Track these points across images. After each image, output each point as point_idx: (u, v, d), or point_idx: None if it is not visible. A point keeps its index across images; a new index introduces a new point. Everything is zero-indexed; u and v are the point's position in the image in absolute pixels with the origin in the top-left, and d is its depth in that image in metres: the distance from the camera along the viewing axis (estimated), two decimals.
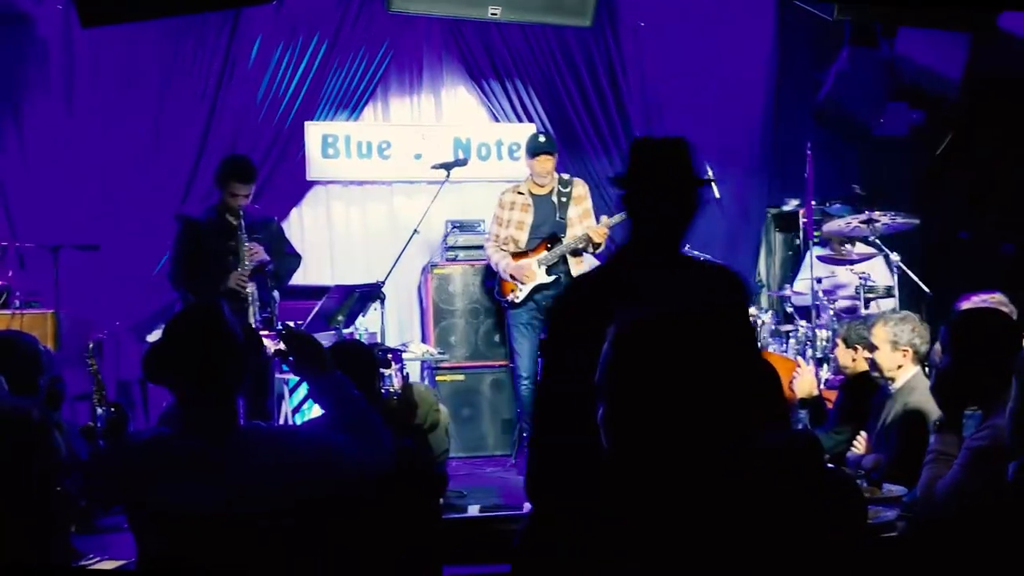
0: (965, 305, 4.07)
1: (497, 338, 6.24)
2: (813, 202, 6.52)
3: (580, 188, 5.86)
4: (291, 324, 3.41)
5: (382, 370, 3.88)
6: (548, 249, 5.68)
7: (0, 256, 5.41)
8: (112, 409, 3.40)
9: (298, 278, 5.66)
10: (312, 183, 7.16)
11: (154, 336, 6.23)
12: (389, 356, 4.77)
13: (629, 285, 2.48)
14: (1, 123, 6.60)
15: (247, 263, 4.96)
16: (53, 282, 5.30)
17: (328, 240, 7.31)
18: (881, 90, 6.92)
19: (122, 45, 6.68)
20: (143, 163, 6.76)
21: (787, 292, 6.68)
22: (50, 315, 5.26)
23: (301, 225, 7.24)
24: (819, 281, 6.21)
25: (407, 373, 4.23)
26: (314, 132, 7.00)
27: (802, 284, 6.51)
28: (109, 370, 5.78)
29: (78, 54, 6.71)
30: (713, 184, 6.54)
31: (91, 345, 3.99)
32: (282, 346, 2.79)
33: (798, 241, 7.24)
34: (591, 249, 5.75)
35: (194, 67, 6.78)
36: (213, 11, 5.99)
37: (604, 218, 5.72)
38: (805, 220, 6.65)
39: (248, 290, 4.94)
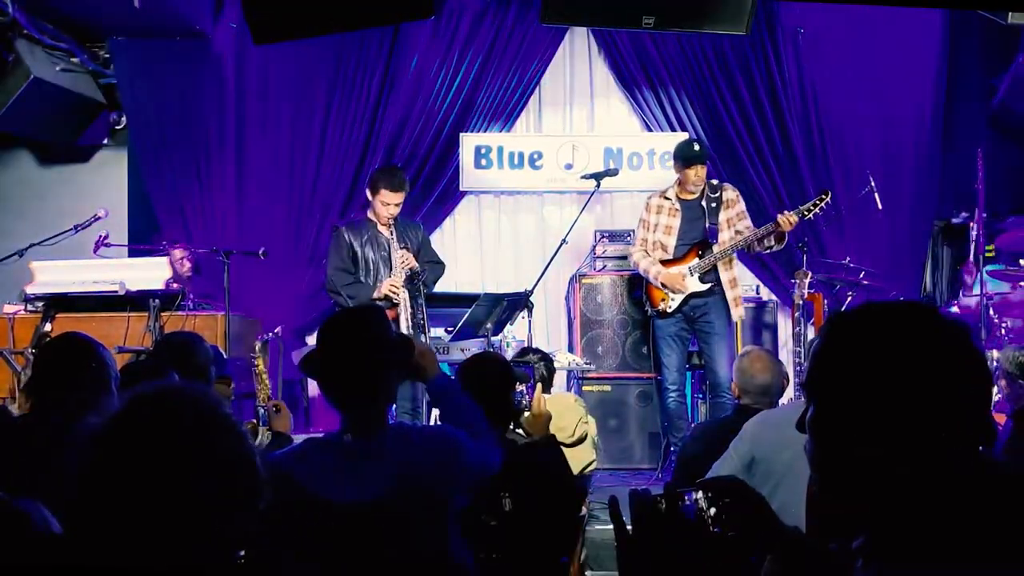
0: None
1: (645, 349, 6.18)
2: (984, 214, 6.15)
3: (731, 192, 5.70)
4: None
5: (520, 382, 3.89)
6: (699, 256, 5.56)
7: (176, 261, 5.75)
8: (275, 408, 3.55)
9: (448, 286, 5.78)
10: (465, 193, 7.32)
11: (313, 338, 6.49)
12: (545, 361, 4.70)
13: None
14: (178, 137, 7.05)
15: (399, 271, 5.09)
16: (224, 286, 5.57)
17: (479, 249, 7.46)
18: None
19: (291, 62, 7.04)
20: (308, 174, 7.11)
21: (954, 308, 6.33)
22: (220, 316, 5.52)
23: (454, 234, 7.44)
24: (990, 299, 5.85)
25: (536, 382, 4.22)
26: (468, 143, 7.16)
27: (971, 300, 6.15)
28: (273, 370, 6.06)
29: (249, 71, 7.12)
30: (876, 195, 6.29)
31: (257, 345, 4.17)
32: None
33: (968, 255, 6.84)
34: (773, 241, 5.46)
35: (356, 82, 7.09)
36: (375, 27, 6.20)
37: (788, 214, 5.44)
38: (976, 233, 6.28)
39: (401, 297, 5.07)
